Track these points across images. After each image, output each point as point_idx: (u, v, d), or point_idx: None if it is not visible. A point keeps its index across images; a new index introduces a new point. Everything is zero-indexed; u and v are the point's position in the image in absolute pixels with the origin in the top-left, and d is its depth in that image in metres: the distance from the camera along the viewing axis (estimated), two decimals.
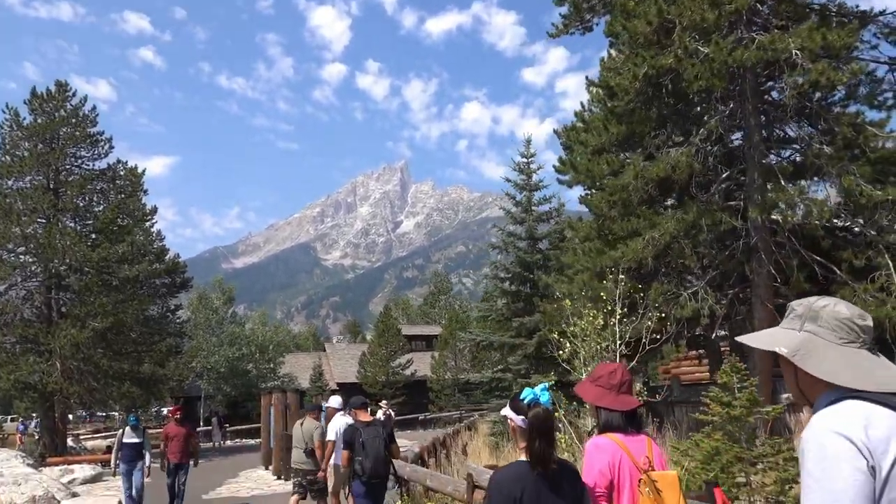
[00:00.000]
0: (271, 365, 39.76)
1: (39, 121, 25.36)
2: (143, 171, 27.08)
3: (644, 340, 9.13)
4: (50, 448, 23.36)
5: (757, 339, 1.67)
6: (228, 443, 32.93)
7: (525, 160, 17.53)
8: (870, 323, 1.55)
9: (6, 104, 25.10)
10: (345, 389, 38.93)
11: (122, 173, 26.51)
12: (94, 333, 22.17)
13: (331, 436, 8.42)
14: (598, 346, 8.71)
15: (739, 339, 1.75)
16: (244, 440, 34.21)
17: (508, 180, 17.49)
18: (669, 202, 12.35)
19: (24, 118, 25.33)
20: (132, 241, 24.36)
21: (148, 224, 30.61)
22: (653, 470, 2.65)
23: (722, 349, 14.21)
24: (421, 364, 42.05)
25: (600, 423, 2.78)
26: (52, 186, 25.31)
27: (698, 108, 11.53)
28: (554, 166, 14.19)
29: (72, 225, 24.94)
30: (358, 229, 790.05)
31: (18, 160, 24.41)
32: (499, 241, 17.33)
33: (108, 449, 21.27)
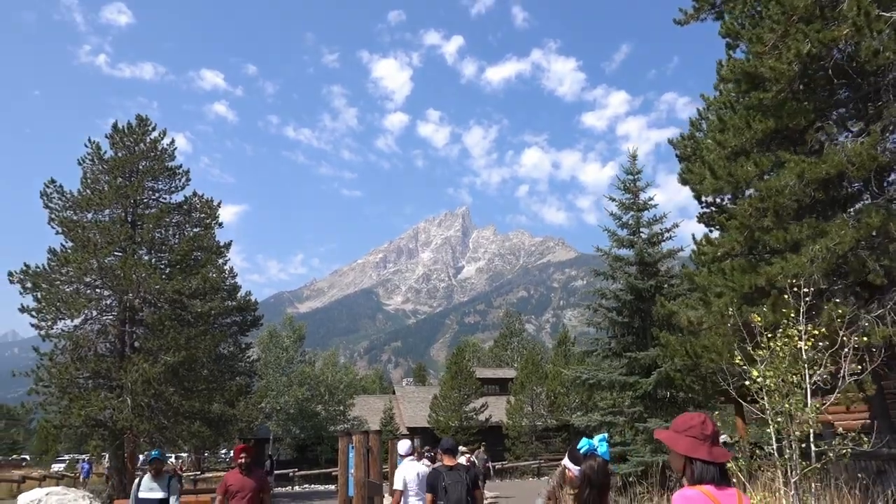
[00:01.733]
0: (341, 407, 38.33)
1: (120, 154, 25.31)
2: (219, 203, 26.59)
3: (843, 372, 7.12)
4: (118, 489, 22.38)
5: None
6: (297, 488, 31.40)
7: (631, 177, 15.77)
8: None
9: (88, 138, 25.19)
10: (416, 434, 37.15)
11: (197, 206, 26.08)
12: (165, 368, 21.27)
13: (398, 484, 7.72)
14: (791, 377, 6.76)
15: None
16: (313, 486, 32.64)
17: (613, 199, 15.73)
18: (831, 208, 10.32)
19: (105, 152, 25.34)
20: (206, 275, 23.60)
21: (221, 261, 30.12)
22: None
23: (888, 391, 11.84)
24: (495, 409, 39.85)
25: (694, 476, 2.66)
26: (129, 219, 25.05)
27: (870, 94, 9.59)
28: (681, 174, 12.37)
29: (147, 258, 24.49)
30: (419, 275, 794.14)
31: (98, 193, 24.26)
32: (605, 267, 15.47)
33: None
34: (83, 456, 39.96)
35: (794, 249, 9.73)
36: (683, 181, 12.28)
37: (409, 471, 7.78)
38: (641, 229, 15.35)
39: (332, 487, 31.72)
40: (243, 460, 7.02)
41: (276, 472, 29.81)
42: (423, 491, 7.29)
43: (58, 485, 29.48)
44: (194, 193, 26.21)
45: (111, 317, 24.32)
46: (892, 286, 9.16)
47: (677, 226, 15.17)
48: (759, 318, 8.22)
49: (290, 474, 33.22)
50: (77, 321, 23.58)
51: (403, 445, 8.32)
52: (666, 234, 15.16)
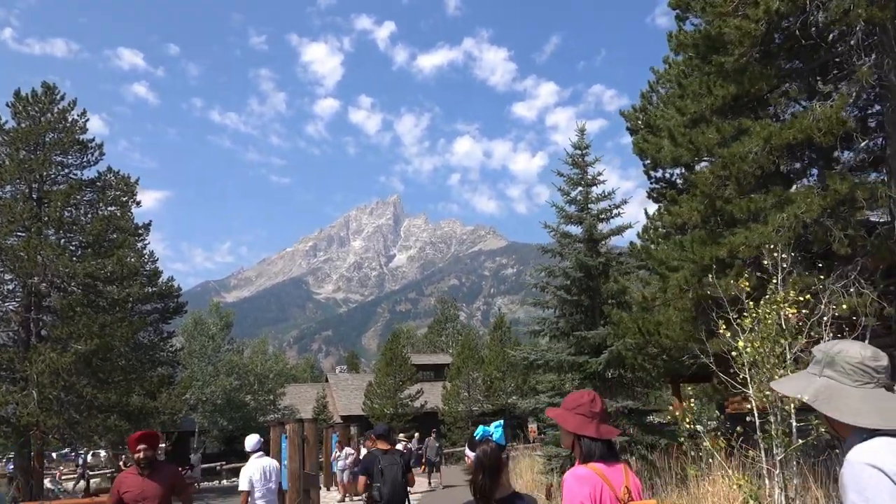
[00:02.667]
0: (271, 396, 36.85)
1: (23, 125, 23.01)
2: (137, 180, 24.63)
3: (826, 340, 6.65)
4: (24, 491, 20.45)
5: (784, 385, 1.82)
6: (224, 482, 29.83)
7: (579, 152, 15.21)
8: (884, 362, 1.64)
9: None
10: (350, 422, 36.09)
11: (112, 183, 24.06)
12: (76, 358, 19.47)
13: (243, 484, 7.13)
14: (776, 348, 6.25)
15: (772, 384, 1.90)
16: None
17: (560, 174, 15.13)
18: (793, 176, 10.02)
19: (6, 122, 23.00)
20: (122, 257, 21.76)
21: (140, 245, 28.04)
22: (632, 500, 2.65)
23: None
24: (430, 395, 39.27)
25: (582, 453, 2.74)
26: (34, 196, 22.85)
27: (838, 57, 9.25)
28: (636, 144, 11.86)
29: (55, 238, 22.39)
30: (351, 263, 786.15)
31: None
32: (553, 244, 14.89)
33: (88, 492, 18.45)
34: None
35: (755, 219, 9.34)
36: (640, 151, 11.79)
37: (255, 468, 7.22)
38: (590, 205, 14.84)
39: None
40: (142, 454, 5.05)
41: (202, 465, 28.23)
42: (270, 488, 7.16)
43: None
44: (109, 169, 24.18)
45: (14, 304, 22.18)
46: (854, 256, 8.89)
47: (626, 202, 14.73)
48: (746, 283, 7.78)
49: (218, 468, 31.64)
50: None
51: (251, 440, 7.63)
52: (615, 211, 14.70)
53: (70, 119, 23.69)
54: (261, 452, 7.50)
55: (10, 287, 22.25)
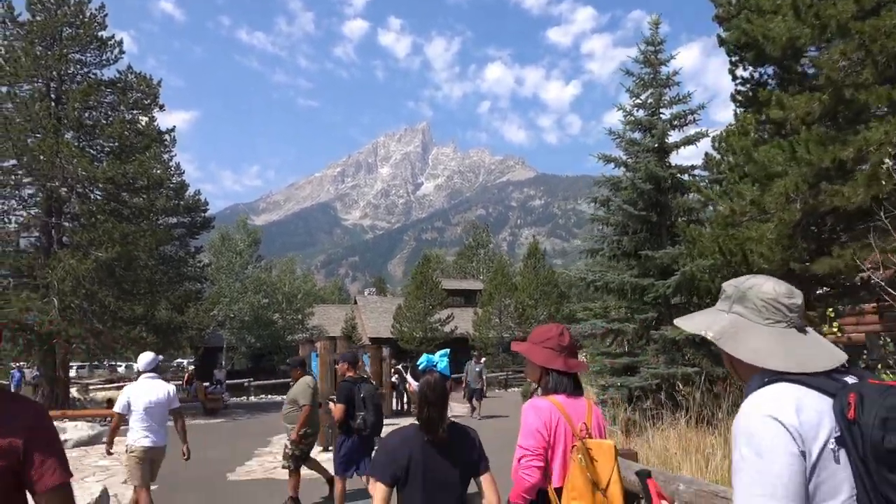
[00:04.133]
0: (299, 316, 36.23)
1: (38, 18, 21.40)
2: (160, 82, 23.07)
3: None
4: (49, 399, 20.03)
5: (689, 322, 1.66)
6: (252, 399, 29.58)
7: (652, 48, 13.24)
8: (798, 300, 1.52)
9: None
10: (378, 344, 35.53)
11: (133, 84, 22.53)
12: (97, 266, 18.54)
13: (118, 405, 6.22)
14: None
15: (676, 321, 1.73)
16: (269, 396, 30.87)
17: (630, 73, 13.24)
18: None
19: (20, 14, 21.39)
20: (143, 163, 20.48)
21: (167, 156, 26.71)
22: (590, 437, 2.59)
23: None
24: (461, 321, 38.37)
25: (549, 385, 2.73)
26: (52, 96, 21.51)
27: None
28: (735, 28, 9.91)
29: (74, 142, 21.14)
30: (378, 190, 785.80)
31: (13, 63, 20.53)
32: (620, 153, 13.16)
33: (110, 402, 17.89)
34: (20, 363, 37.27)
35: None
36: (740, 36, 9.84)
37: (137, 390, 6.27)
38: (662, 110, 12.99)
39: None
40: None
41: (228, 381, 27.86)
42: (152, 414, 6.19)
43: None
44: (129, 68, 22.59)
45: (35, 209, 21.23)
46: None
47: (704, 107, 12.86)
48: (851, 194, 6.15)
49: (246, 384, 31.36)
50: None
51: (143, 358, 6.55)
52: (690, 117, 12.86)
53: (87, 14, 22.01)
54: (153, 374, 6.44)
55: (31, 191, 21.26)
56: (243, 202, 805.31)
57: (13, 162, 20.10)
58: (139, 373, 6.55)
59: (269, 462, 11.23)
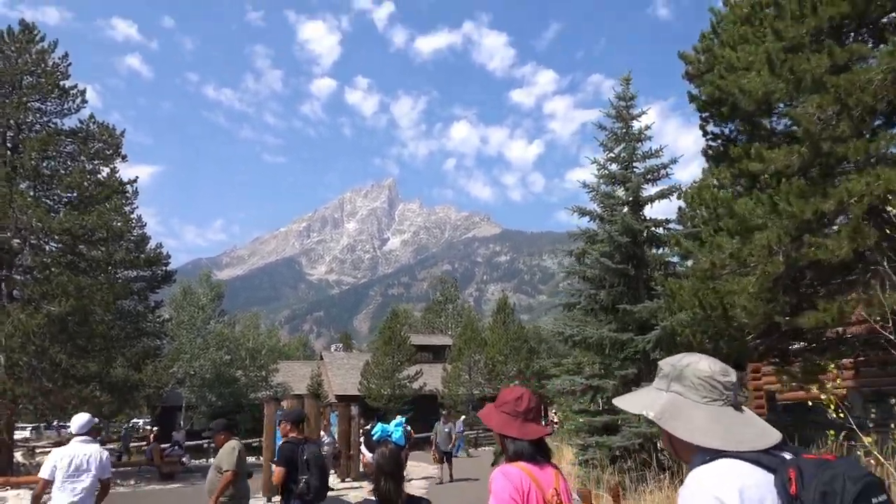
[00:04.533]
0: (263, 373, 35.03)
1: None
2: (122, 132, 22.58)
3: None
4: None
5: (629, 402, 1.66)
6: (205, 461, 28.15)
7: (623, 103, 13.36)
8: (732, 378, 1.54)
9: None
10: (346, 402, 34.41)
11: (95, 133, 21.99)
12: (49, 320, 17.59)
13: (43, 471, 5.64)
14: None
15: (615, 401, 1.73)
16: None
17: (602, 128, 13.30)
18: None
19: None
20: (102, 213, 19.81)
21: (128, 208, 25.98)
22: (561, 503, 2.58)
23: None
24: (430, 377, 37.57)
25: (508, 452, 2.67)
26: (8, 144, 20.85)
27: None
28: (709, 83, 9.99)
29: (30, 191, 20.40)
30: (344, 245, 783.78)
31: None
32: (595, 206, 13.06)
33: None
34: None
35: (876, 163, 7.57)
36: (713, 91, 9.92)
37: (64, 454, 5.67)
38: (635, 164, 13.02)
39: (253, 459, 28.64)
40: None
41: (188, 442, 26.48)
42: (79, 481, 5.55)
43: None
44: (91, 117, 22.08)
45: None
46: None
47: (676, 161, 12.93)
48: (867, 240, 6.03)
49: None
50: None
51: (77, 420, 5.94)
52: (663, 171, 12.90)
53: (50, 62, 21.61)
54: (87, 438, 5.83)
55: None
56: (206, 256, 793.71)
57: None
58: (71, 435, 5.91)
59: None
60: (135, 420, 49.97)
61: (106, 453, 5.91)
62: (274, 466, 6.25)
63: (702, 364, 1.57)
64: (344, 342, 68.07)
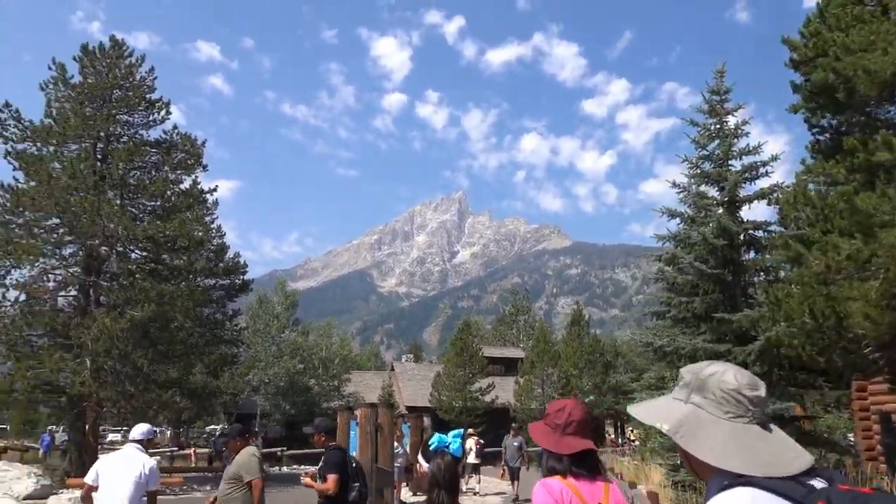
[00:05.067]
0: (335, 382, 35.17)
1: (89, 80, 21.83)
2: (204, 142, 23.12)
3: None
4: (76, 465, 19.22)
5: (644, 411, 1.51)
6: (285, 469, 28.22)
7: (717, 97, 12.47)
8: (761, 392, 1.38)
9: (52, 59, 21.62)
10: (416, 413, 34.09)
11: (178, 143, 22.60)
12: (132, 325, 18.00)
13: (89, 476, 5.55)
14: None
15: (629, 409, 1.58)
16: (303, 466, 29.52)
17: (695, 123, 12.44)
18: None
19: (72, 77, 21.85)
20: (183, 220, 20.25)
21: (208, 218, 26.63)
22: None
23: None
24: (501, 390, 36.78)
25: (546, 465, 2.63)
26: (97, 155, 21.66)
27: None
28: (823, 68, 9.05)
29: (116, 201, 21.10)
30: (414, 258, 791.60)
31: (63, 123, 20.82)
32: (686, 208, 12.18)
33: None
34: (53, 427, 36.82)
35: None
36: (831, 73, 8.97)
37: (110, 460, 5.59)
38: (730, 161, 12.07)
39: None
40: None
41: (263, 450, 26.68)
42: (118, 490, 5.25)
43: (22, 458, 26.34)
44: (174, 128, 22.74)
45: (76, 269, 21.02)
46: None
47: (777, 158, 11.90)
48: None
49: (278, 453, 30.14)
50: (35, 271, 20.26)
51: (138, 428, 5.90)
52: (762, 169, 11.90)
53: (138, 76, 22.41)
54: (138, 447, 5.62)
55: (71, 250, 21.13)
56: (282, 268, 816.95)
57: (56, 220, 20.06)
58: (132, 442, 5.73)
59: None
60: (212, 426, 51.35)
61: (153, 463, 5.63)
62: (305, 477, 6.03)
63: (728, 374, 1.40)
64: (414, 354, 68.10)
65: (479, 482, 18.34)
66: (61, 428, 30.32)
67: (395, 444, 15.66)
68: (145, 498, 5.45)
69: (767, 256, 10.92)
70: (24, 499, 14.44)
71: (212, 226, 27.27)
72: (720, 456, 1.32)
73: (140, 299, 18.41)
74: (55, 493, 14.07)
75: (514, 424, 22.66)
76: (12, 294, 19.67)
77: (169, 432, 40.10)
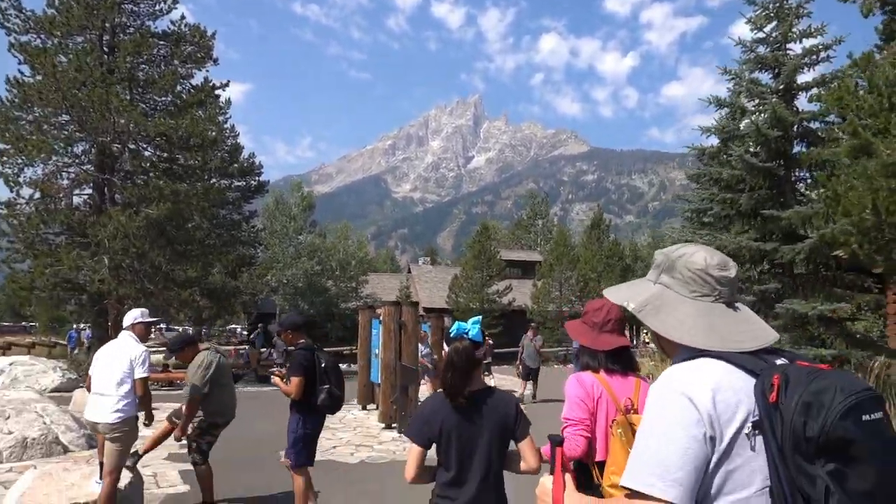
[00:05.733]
0: (353, 284, 35.25)
1: None
2: (213, 34, 21.88)
3: None
4: None
5: (616, 292, 1.55)
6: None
7: None
8: (730, 273, 1.40)
9: None
10: (440, 313, 34.30)
11: (187, 35, 21.41)
12: (148, 223, 17.65)
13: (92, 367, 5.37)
14: None
15: (604, 292, 1.63)
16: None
17: (752, 2, 11.25)
18: None
19: None
20: (195, 116, 19.47)
21: (221, 118, 25.67)
22: (635, 413, 2.40)
23: None
24: (518, 293, 36.79)
25: (581, 361, 2.80)
26: (104, 47, 20.63)
27: None
28: None
29: (126, 96, 20.24)
30: (428, 163, 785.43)
31: (66, 13, 19.69)
32: (731, 96, 11.24)
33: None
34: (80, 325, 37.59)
35: None
36: None
37: (103, 351, 5.29)
38: (789, 45, 10.99)
39: (344, 367, 29.09)
40: None
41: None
42: (114, 383, 4.96)
43: (49, 354, 26.92)
44: (182, 18, 21.47)
45: (89, 167, 20.49)
46: None
47: (841, 41, 10.78)
48: None
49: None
50: (48, 169, 19.78)
51: (130, 314, 5.44)
52: (823, 54, 10.82)
53: None
54: (128, 333, 5.24)
55: (84, 147, 20.53)
56: (296, 173, 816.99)
57: (65, 117, 19.35)
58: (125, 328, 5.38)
59: (326, 440, 9.98)
60: (232, 325, 52.42)
61: (139, 350, 5.19)
62: (275, 377, 5.48)
63: (697, 255, 1.41)
64: (430, 257, 68.25)
65: (493, 381, 18.28)
66: (86, 325, 30.85)
67: (420, 345, 15.43)
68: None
69: (821, 150, 10.07)
70: (51, 392, 14.60)
71: (225, 126, 26.43)
72: (682, 332, 1.33)
73: (155, 197, 17.97)
74: (80, 387, 14.16)
75: (532, 324, 22.48)
76: (26, 192, 19.31)
77: (191, 330, 40.94)
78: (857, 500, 1.10)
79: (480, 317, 3.11)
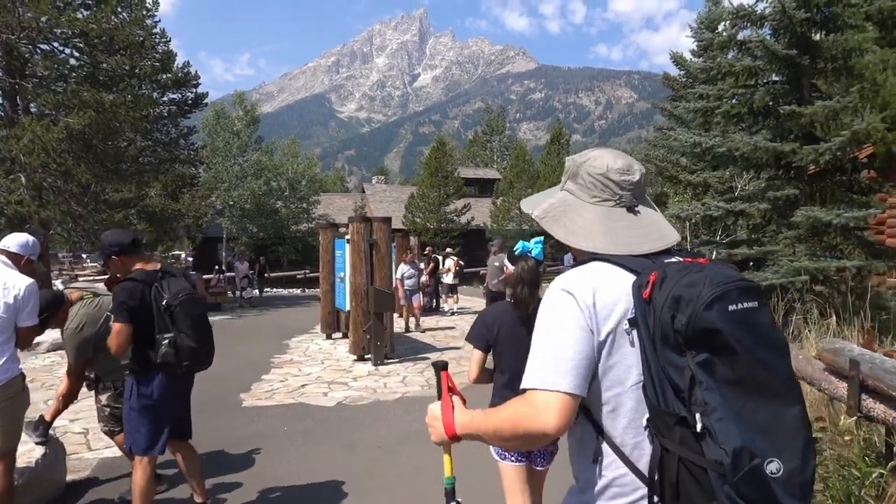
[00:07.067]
0: (304, 204, 33.34)
1: None
2: None
3: None
4: None
5: (527, 202, 1.54)
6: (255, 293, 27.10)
7: None
8: (633, 177, 1.37)
9: None
10: (399, 234, 32.90)
11: None
12: (69, 136, 15.42)
13: None
14: None
15: (521, 203, 1.60)
16: (275, 289, 28.53)
17: None
18: None
19: None
20: (115, 10, 16.97)
21: (150, 21, 22.70)
22: None
23: None
24: (476, 212, 35.64)
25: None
26: None
27: None
28: None
29: None
30: (374, 81, 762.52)
31: None
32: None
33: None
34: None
35: None
36: None
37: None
38: None
39: (298, 292, 27.72)
40: None
41: (227, 274, 25.33)
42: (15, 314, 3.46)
43: None
44: None
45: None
46: None
47: None
48: None
49: (251, 274, 28.95)
50: None
51: (13, 239, 3.77)
52: None
53: None
54: (5, 261, 3.59)
55: None
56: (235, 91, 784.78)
57: None
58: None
59: (293, 377, 8.71)
60: (176, 251, 49.92)
61: (26, 284, 3.54)
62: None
63: (600, 160, 1.38)
64: (383, 175, 66.13)
65: (457, 302, 17.64)
66: None
67: (403, 265, 14.10)
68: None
69: (849, 36, 8.85)
70: None
71: (154, 30, 23.52)
72: (580, 237, 1.34)
73: (75, 105, 15.64)
74: None
75: (492, 242, 21.33)
76: None
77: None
78: (725, 389, 1.08)
79: (542, 237, 3.11)
